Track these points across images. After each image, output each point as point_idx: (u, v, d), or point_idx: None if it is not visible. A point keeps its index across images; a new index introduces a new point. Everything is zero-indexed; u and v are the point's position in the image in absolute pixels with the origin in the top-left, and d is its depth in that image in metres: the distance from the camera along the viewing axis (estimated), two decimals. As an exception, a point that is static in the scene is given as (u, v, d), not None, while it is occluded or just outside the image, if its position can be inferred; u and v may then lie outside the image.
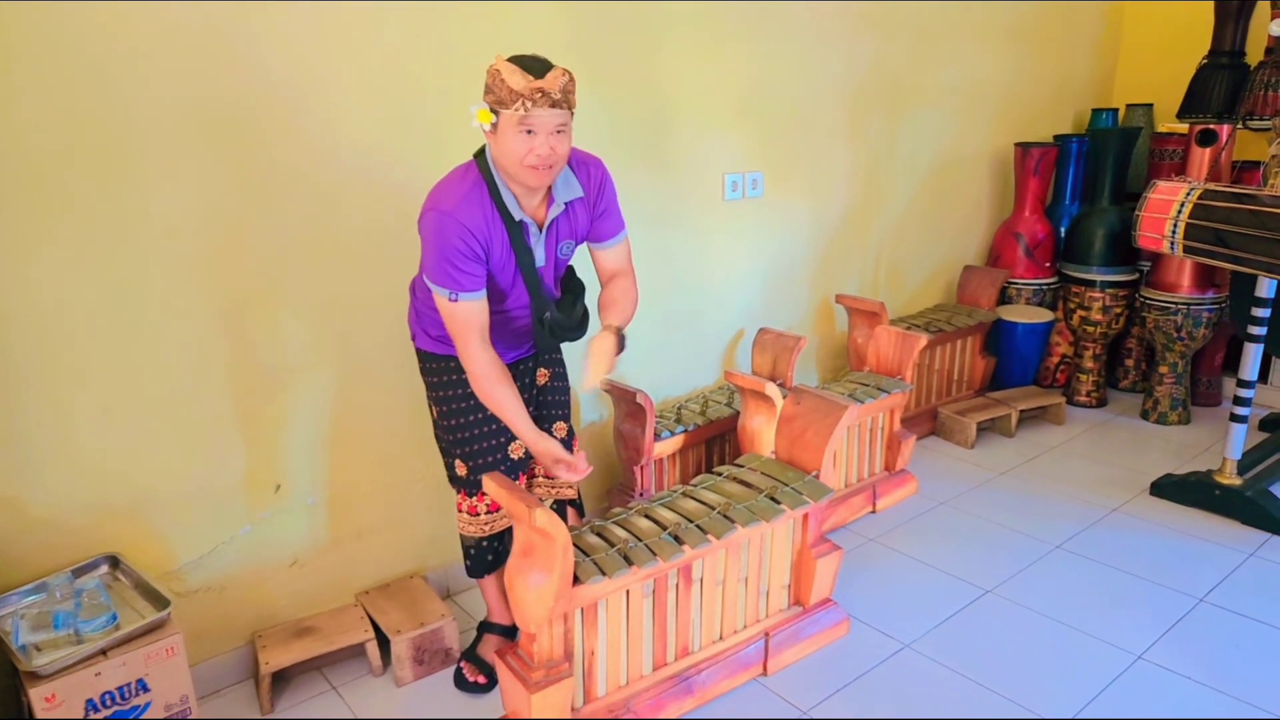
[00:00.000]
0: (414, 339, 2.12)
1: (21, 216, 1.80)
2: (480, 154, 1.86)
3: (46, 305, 1.87)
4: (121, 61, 1.85)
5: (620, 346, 1.93)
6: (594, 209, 1.99)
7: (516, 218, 1.84)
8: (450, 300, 1.81)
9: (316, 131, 2.14)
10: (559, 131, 1.76)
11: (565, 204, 1.92)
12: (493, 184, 1.82)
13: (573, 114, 1.79)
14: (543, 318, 1.97)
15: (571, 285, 2.11)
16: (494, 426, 2.07)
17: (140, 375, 2.01)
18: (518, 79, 1.69)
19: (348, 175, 2.21)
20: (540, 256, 1.94)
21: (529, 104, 1.70)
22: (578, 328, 2.04)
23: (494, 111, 1.74)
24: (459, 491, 2.14)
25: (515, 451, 2.12)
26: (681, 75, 2.85)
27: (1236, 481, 3.00)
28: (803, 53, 3.17)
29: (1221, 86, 3.57)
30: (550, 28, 2.49)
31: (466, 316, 1.83)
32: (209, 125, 1.98)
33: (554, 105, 1.73)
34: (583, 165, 1.96)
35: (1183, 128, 3.80)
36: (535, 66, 1.72)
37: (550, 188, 1.89)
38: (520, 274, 1.92)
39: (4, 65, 1.73)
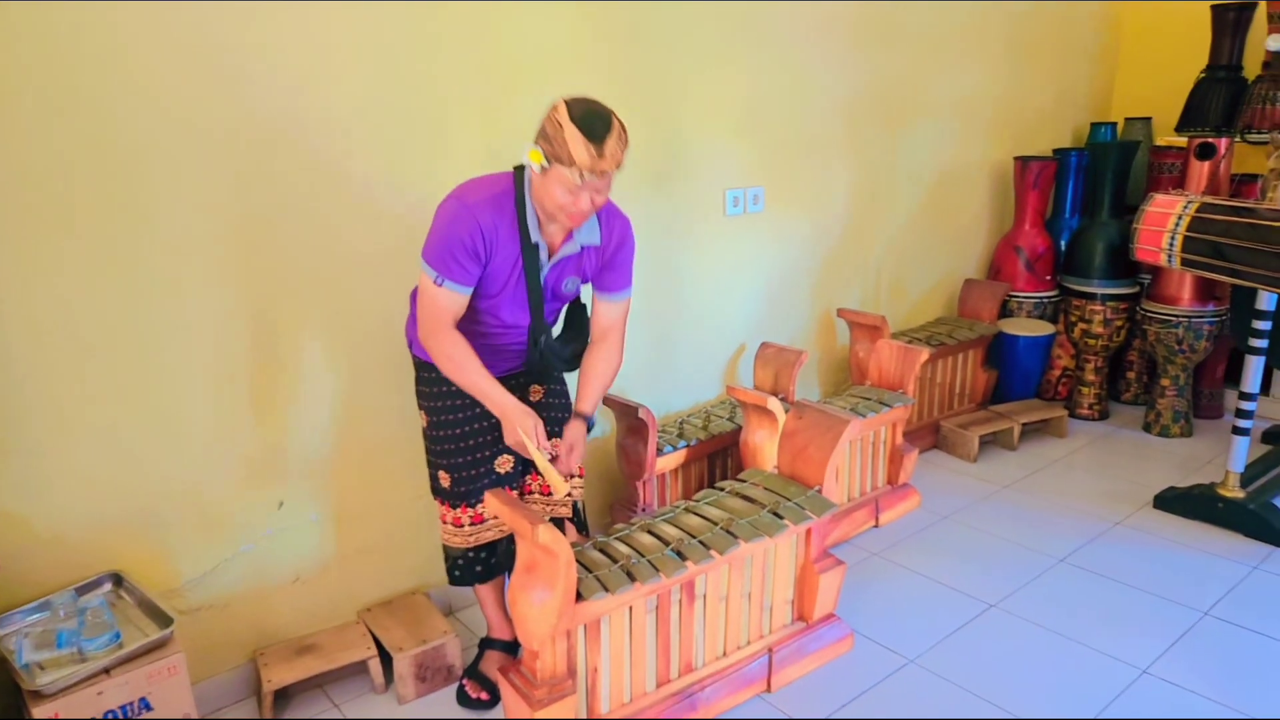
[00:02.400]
0: (410, 346, 2.14)
1: (27, 232, 1.81)
2: (520, 169, 1.89)
3: (53, 321, 1.88)
4: (128, 76, 1.86)
5: (589, 430, 2.10)
6: (604, 257, 2.02)
7: (533, 239, 1.88)
8: (435, 283, 1.84)
9: (324, 148, 2.15)
10: (601, 190, 1.81)
11: (581, 246, 1.96)
12: (521, 201, 1.86)
13: None
14: (539, 340, 2.01)
15: (576, 323, 2.15)
16: (482, 439, 2.08)
17: (144, 392, 2.02)
18: (581, 150, 1.70)
19: (351, 194, 2.22)
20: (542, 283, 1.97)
21: (587, 175, 1.73)
22: (567, 362, 2.10)
23: (547, 159, 1.76)
24: (442, 503, 2.14)
25: (501, 466, 2.13)
26: (683, 92, 2.86)
27: (1239, 494, 2.99)
28: (802, 67, 3.19)
29: (1220, 100, 3.59)
30: (556, 47, 2.51)
31: (445, 304, 1.86)
32: (216, 142, 1.99)
33: (605, 173, 1.76)
34: (609, 218, 2.00)
35: (1181, 141, 3.81)
36: (598, 130, 1.72)
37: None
38: (526, 293, 1.95)
39: (7, 78, 1.74)
